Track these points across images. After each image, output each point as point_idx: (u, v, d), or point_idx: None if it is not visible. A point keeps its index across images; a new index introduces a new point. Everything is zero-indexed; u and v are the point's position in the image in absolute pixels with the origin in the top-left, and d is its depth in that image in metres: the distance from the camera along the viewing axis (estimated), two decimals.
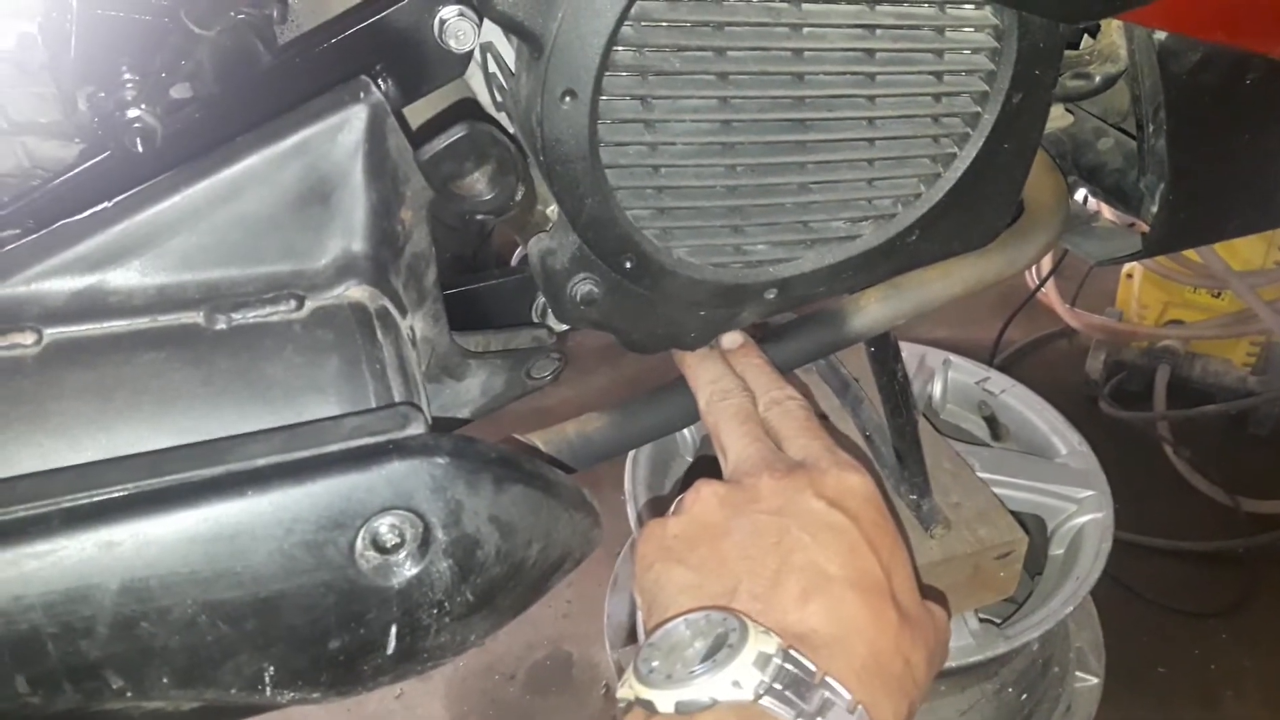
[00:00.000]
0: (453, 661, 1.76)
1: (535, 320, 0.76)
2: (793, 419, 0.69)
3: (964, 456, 1.20)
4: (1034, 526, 1.27)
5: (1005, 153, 0.72)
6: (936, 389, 1.44)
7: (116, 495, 0.44)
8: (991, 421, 1.40)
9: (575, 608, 1.83)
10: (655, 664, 0.52)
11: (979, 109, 0.69)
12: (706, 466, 1.41)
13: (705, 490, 0.63)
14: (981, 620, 1.15)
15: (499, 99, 0.71)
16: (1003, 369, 1.52)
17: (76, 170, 0.64)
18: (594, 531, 0.59)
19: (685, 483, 1.39)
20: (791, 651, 0.52)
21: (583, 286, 0.68)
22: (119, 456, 0.47)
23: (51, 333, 0.49)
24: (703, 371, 0.73)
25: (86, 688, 0.44)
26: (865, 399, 1.11)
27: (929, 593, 0.65)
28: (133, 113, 0.59)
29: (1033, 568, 1.28)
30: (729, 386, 0.71)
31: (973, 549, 1.06)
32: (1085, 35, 0.85)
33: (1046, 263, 2.34)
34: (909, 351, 1.44)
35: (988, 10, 0.66)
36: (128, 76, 0.60)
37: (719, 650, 0.51)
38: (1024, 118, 0.71)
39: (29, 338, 0.48)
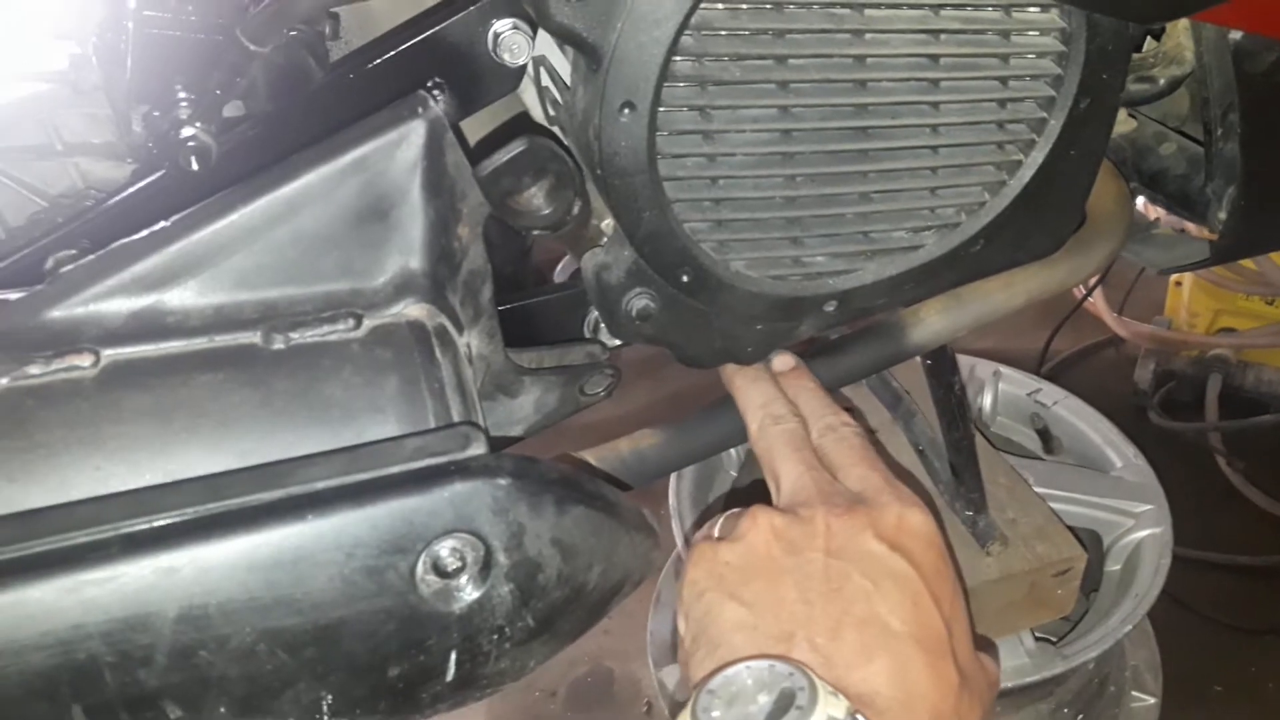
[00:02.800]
0: None
1: (588, 335, 0.75)
2: (849, 447, 0.67)
3: (1018, 471, 1.17)
4: (1089, 542, 1.24)
5: (1072, 159, 0.70)
6: (987, 401, 1.41)
7: (176, 521, 0.43)
8: (1044, 434, 1.37)
9: (617, 624, 1.81)
10: (716, 714, 0.49)
11: (1045, 114, 0.67)
12: (751, 485, 1.40)
13: (762, 519, 0.60)
14: (1037, 639, 1.12)
15: (552, 113, 0.70)
16: (1050, 379, 1.49)
17: (132, 190, 0.63)
18: (654, 553, 0.58)
19: (729, 500, 1.38)
20: (859, 717, 0.50)
21: (638, 301, 0.66)
22: (178, 481, 0.46)
23: (109, 354, 0.48)
24: (754, 394, 0.70)
25: (143, 717, 0.43)
26: (918, 413, 1.09)
27: (979, 641, 0.63)
28: (187, 131, 0.58)
29: (1088, 584, 1.24)
30: (780, 411, 0.68)
31: (1030, 566, 1.03)
32: (1149, 38, 0.83)
33: None
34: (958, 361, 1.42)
35: (1055, 13, 0.64)
36: (182, 95, 0.59)
37: (787, 709, 0.49)
38: (1091, 123, 0.69)
39: (87, 359, 0.47)
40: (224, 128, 0.63)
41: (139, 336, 0.49)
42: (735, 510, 0.64)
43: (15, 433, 0.45)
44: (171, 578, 0.43)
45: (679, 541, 1.24)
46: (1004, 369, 1.42)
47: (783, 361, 0.74)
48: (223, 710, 0.45)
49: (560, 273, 1.29)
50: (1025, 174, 0.69)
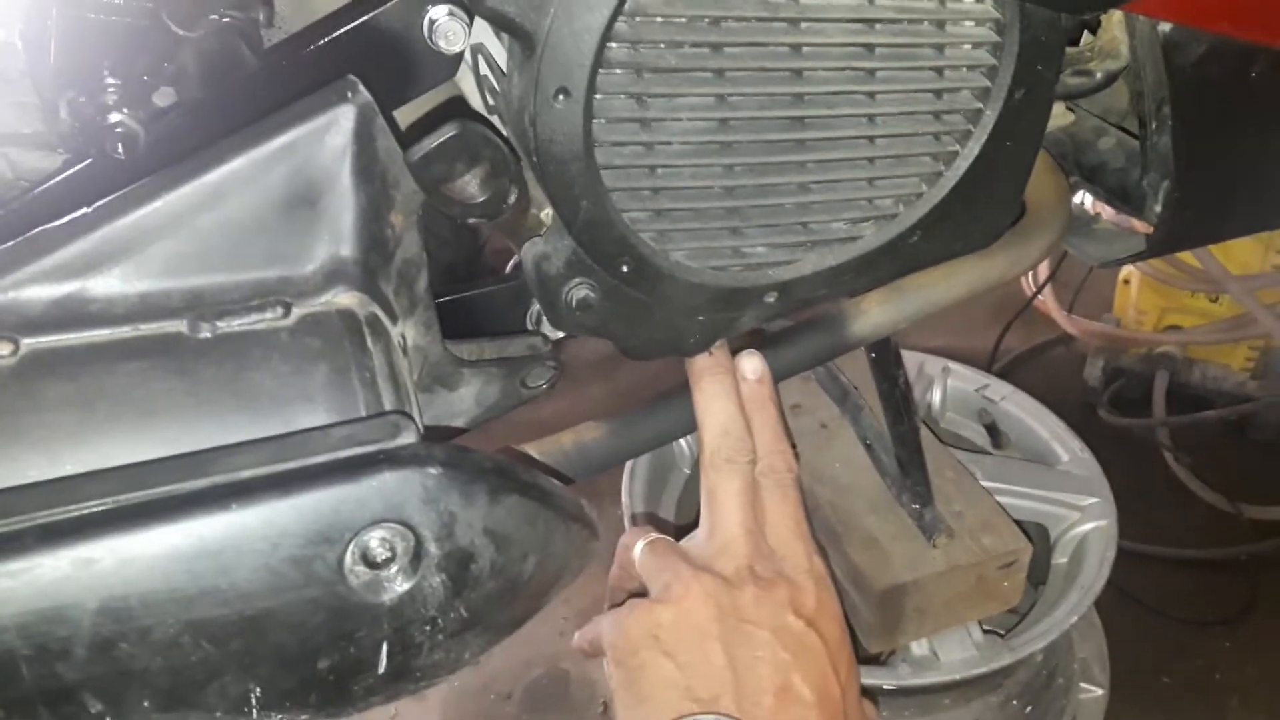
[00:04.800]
0: (448, 680, 1.73)
1: (530, 328, 0.75)
2: (783, 498, 0.73)
3: (965, 465, 1.18)
4: (1037, 535, 1.25)
5: (1008, 150, 0.70)
6: (936, 397, 1.42)
7: (95, 510, 0.42)
8: (992, 429, 1.38)
9: (573, 625, 1.80)
10: None
11: (981, 105, 0.68)
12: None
13: (695, 586, 0.67)
14: (985, 632, 1.13)
15: (491, 101, 0.69)
16: (1001, 376, 1.50)
17: (57, 179, 0.62)
18: (591, 543, 0.57)
19: (683, 498, 1.37)
20: None
21: (578, 291, 0.66)
22: (98, 470, 0.45)
23: (29, 343, 0.47)
24: (716, 411, 0.73)
25: (63, 712, 0.42)
26: (865, 407, 1.10)
27: (866, 690, 0.74)
28: (114, 117, 0.57)
29: (1036, 577, 1.26)
30: (736, 449, 0.72)
31: (976, 559, 1.04)
32: (1085, 31, 0.84)
33: (1044, 269, 2.33)
34: (907, 359, 1.43)
35: (989, 3, 0.65)
36: (109, 81, 0.58)
37: None
38: (1027, 114, 0.70)
39: (5, 348, 0.46)
40: (154, 115, 0.62)
41: (60, 325, 0.48)
42: (667, 567, 0.70)
43: None
44: (90, 569, 0.42)
45: None
46: (953, 365, 1.43)
47: (753, 369, 0.76)
48: (146, 704, 0.44)
49: (512, 265, 1.29)
50: (961, 165, 0.70)
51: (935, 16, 0.64)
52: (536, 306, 0.73)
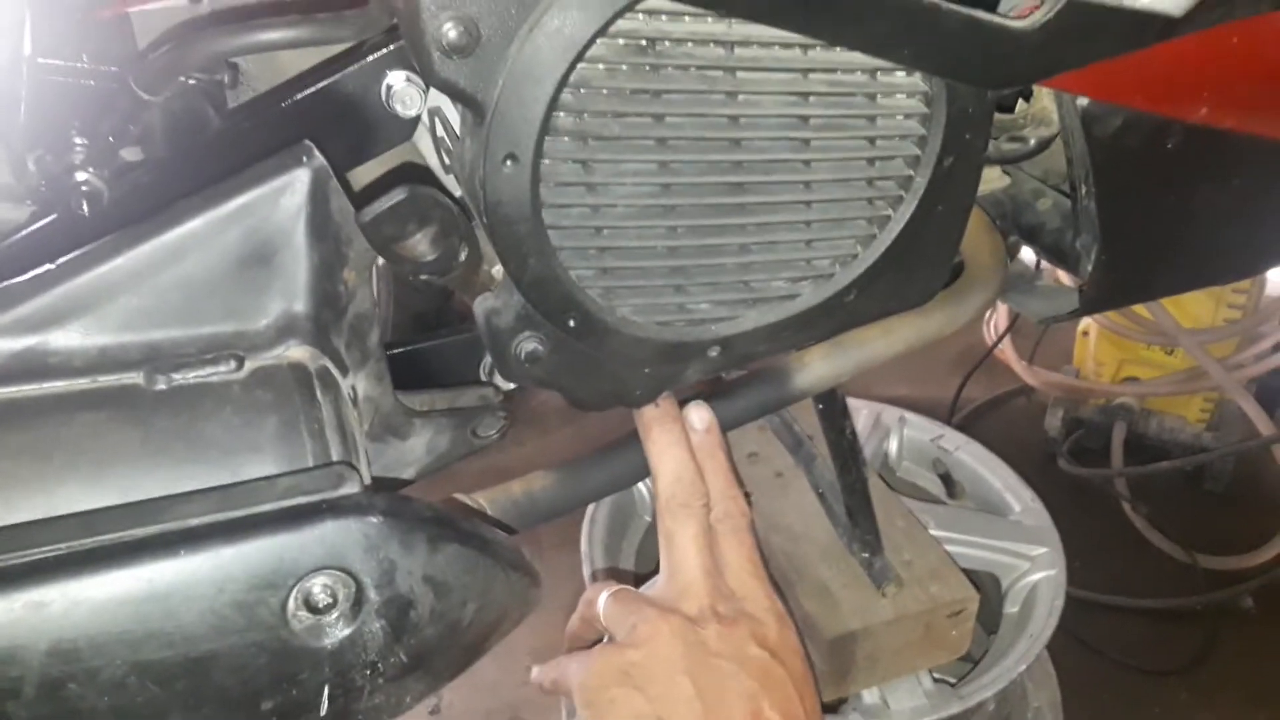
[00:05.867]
0: None
1: (484, 379, 0.77)
2: (739, 542, 0.76)
3: (917, 514, 1.20)
4: (988, 584, 1.28)
5: (939, 214, 0.74)
6: (892, 446, 1.45)
7: (47, 555, 0.44)
8: (946, 479, 1.41)
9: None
10: None
11: (911, 172, 0.71)
12: None
13: (663, 627, 0.69)
14: (936, 680, 1.15)
15: (448, 161, 0.72)
16: (961, 427, 1.53)
17: (21, 234, 0.64)
18: (532, 591, 0.59)
19: (643, 546, 1.39)
20: None
21: (527, 345, 0.69)
22: (52, 517, 0.47)
23: None
24: (667, 460, 0.76)
25: None
26: (818, 456, 1.12)
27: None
28: (80, 175, 0.60)
29: (989, 626, 1.28)
30: (689, 494, 0.75)
31: (925, 607, 1.06)
32: (1020, 100, 0.88)
33: (1003, 321, 2.38)
34: (865, 409, 1.46)
35: (918, 77, 0.68)
36: (76, 140, 0.61)
37: None
38: (956, 180, 0.73)
39: None
40: (118, 173, 0.65)
41: (20, 376, 0.50)
42: (632, 612, 0.73)
43: None
44: (42, 611, 0.43)
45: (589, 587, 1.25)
46: (909, 415, 1.46)
47: (700, 419, 0.78)
48: None
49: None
50: (895, 228, 0.73)
51: (866, 90, 0.68)
52: (489, 359, 0.76)
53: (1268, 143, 0.80)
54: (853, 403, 1.19)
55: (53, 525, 0.46)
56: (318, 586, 0.48)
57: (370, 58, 0.67)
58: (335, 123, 0.67)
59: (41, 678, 0.43)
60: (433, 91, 0.69)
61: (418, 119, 0.70)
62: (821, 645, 1.02)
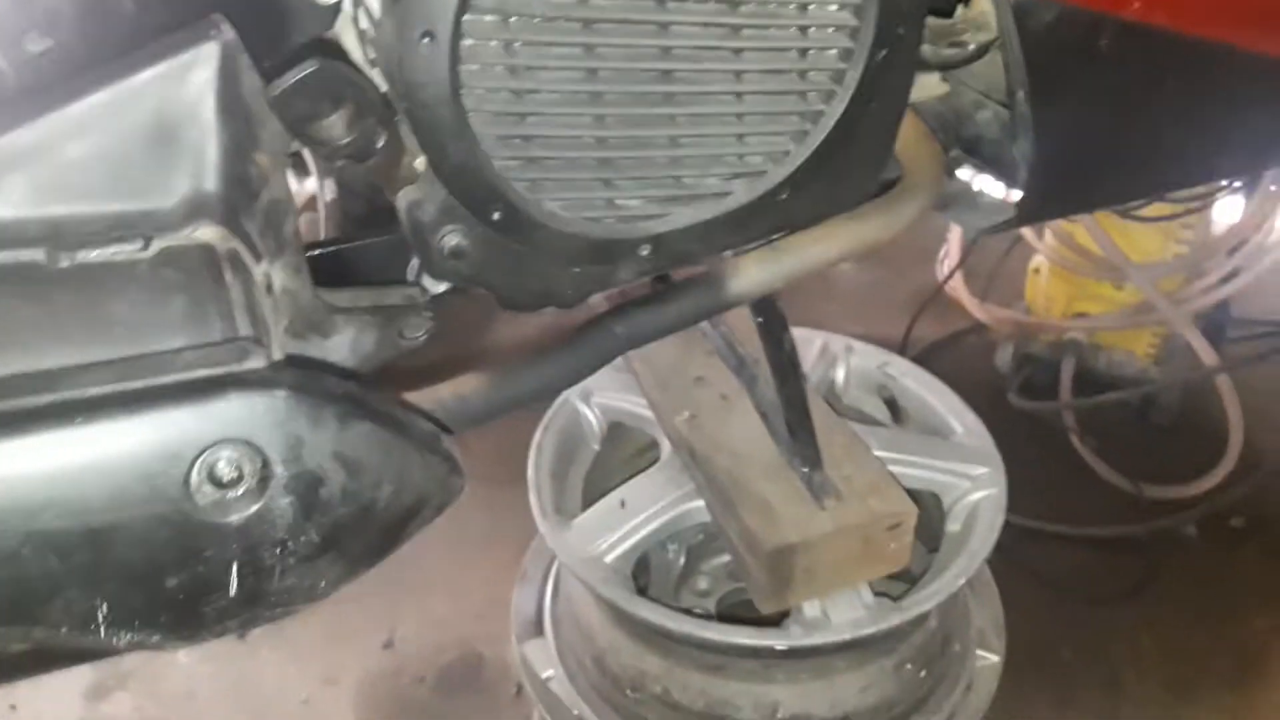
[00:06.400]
0: (362, 665, 1.71)
1: (411, 281, 0.76)
2: None
3: (861, 436, 1.21)
4: (931, 504, 1.29)
5: (873, 111, 0.73)
6: (839, 374, 1.45)
7: None
8: (891, 404, 1.42)
9: (487, 608, 1.81)
10: None
11: (844, 65, 0.71)
12: (612, 458, 1.41)
13: None
14: (877, 594, 1.16)
15: (372, 55, 0.70)
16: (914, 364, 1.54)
17: None
18: (453, 479, 0.59)
19: (590, 475, 1.39)
20: None
21: (451, 239, 0.67)
22: None
23: None
24: None
25: None
26: (760, 378, 1.12)
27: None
28: None
29: (931, 545, 1.29)
30: None
31: (863, 520, 1.07)
32: (960, 5, 0.87)
33: (955, 256, 2.39)
34: (811, 337, 1.46)
35: None
36: None
37: None
38: (890, 76, 0.73)
39: None
40: (25, 60, 0.62)
41: None
42: None
43: None
44: None
45: (537, 516, 1.25)
46: (855, 344, 1.46)
47: None
48: None
49: None
50: (827, 123, 0.72)
51: None
52: (416, 261, 0.75)
53: (1204, 43, 0.80)
54: (799, 332, 1.19)
55: None
56: (222, 461, 0.47)
57: None
58: (250, 9, 0.64)
59: None
60: None
61: (337, 6, 0.67)
62: (761, 558, 1.03)
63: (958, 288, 2.39)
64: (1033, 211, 0.89)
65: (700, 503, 1.20)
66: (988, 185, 1.12)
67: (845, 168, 0.75)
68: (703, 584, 1.48)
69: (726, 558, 1.46)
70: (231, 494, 0.48)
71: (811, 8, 0.68)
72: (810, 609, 1.11)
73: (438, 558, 1.85)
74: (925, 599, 1.13)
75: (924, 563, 1.27)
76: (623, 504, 1.22)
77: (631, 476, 1.30)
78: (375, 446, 0.52)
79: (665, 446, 1.29)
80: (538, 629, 1.44)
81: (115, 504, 0.45)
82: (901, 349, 2.35)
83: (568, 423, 1.37)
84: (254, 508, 0.48)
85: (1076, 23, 0.74)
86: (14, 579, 0.44)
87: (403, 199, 0.67)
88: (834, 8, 0.69)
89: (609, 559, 1.18)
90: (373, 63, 0.71)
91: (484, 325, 2.40)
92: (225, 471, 0.47)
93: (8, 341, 0.48)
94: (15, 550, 0.44)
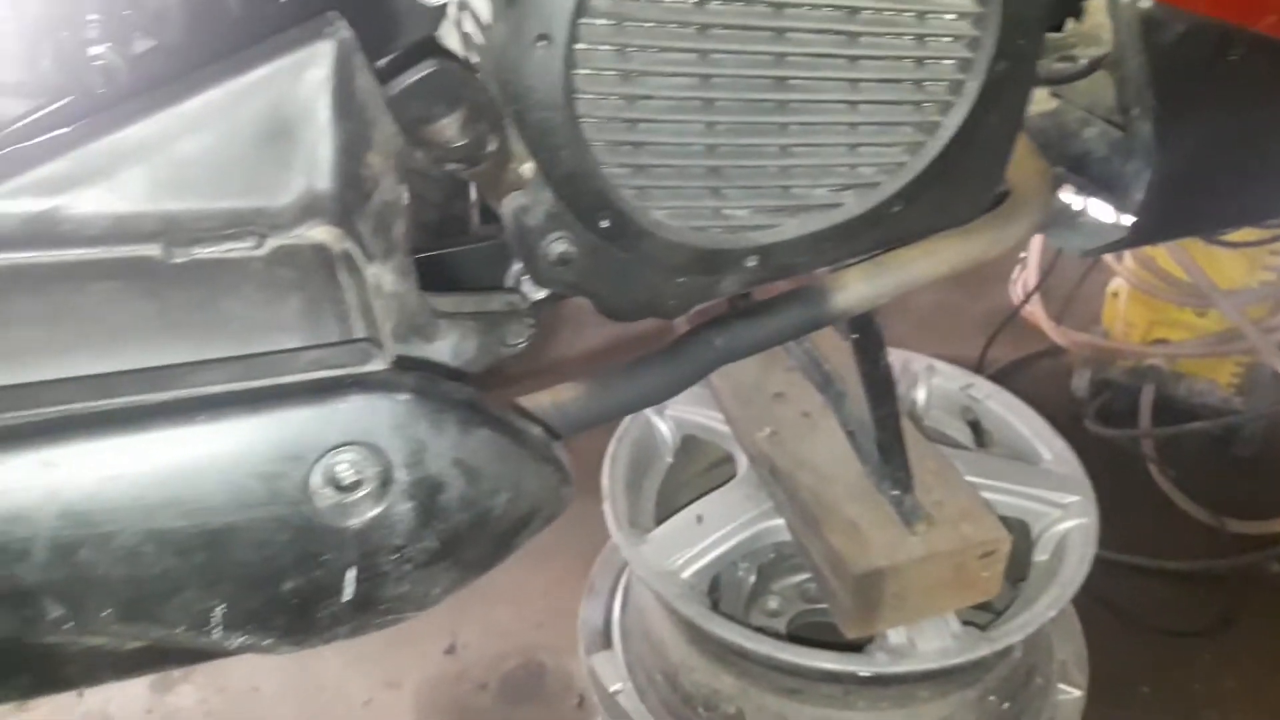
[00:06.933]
0: (423, 670, 1.71)
1: (510, 286, 0.75)
2: None
3: (947, 458, 1.18)
4: (1017, 531, 1.25)
5: (990, 124, 0.71)
6: (920, 395, 1.42)
7: (60, 414, 0.42)
8: (975, 427, 1.38)
9: (550, 618, 1.80)
10: None
11: (963, 76, 0.69)
12: (685, 470, 1.39)
13: None
14: (964, 623, 1.13)
15: (475, 60, 0.70)
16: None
17: (36, 115, 0.62)
18: (564, 489, 0.57)
19: (664, 487, 1.37)
20: None
21: (558, 245, 0.66)
22: (65, 378, 0.45)
23: (2, 257, 0.47)
24: None
25: (23, 614, 0.42)
26: (848, 394, 1.10)
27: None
28: (95, 50, 0.57)
29: (1016, 574, 1.26)
30: None
31: (956, 546, 1.04)
32: (1070, 19, 0.85)
33: (1032, 278, 2.34)
34: (892, 356, 1.43)
35: None
36: (92, 17, 0.58)
37: None
38: (1008, 88, 0.70)
39: None
40: (136, 56, 0.62)
41: (33, 242, 0.48)
42: None
43: None
44: (53, 472, 0.42)
45: (613, 528, 1.23)
46: (937, 363, 1.43)
47: None
48: (107, 613, 0.44)
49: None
50: (943, 136, 0.70)
51: None
52: (516, 266, 0.74)
53: None
54: None
55: (66, 386, 0.44)
56: (343, 463, 0.46)
57: None
58: (356, 11, 0.64)
59: (53, 540, 0.42)
60: None
61: (443, 9, 0.67)
62: (849, 581, 1.00)
63: (1034, 309, 2.34)
64: (1145, 234, 0.85)
65: (779, 521, 1.18)
66: (1088, 204, 1.09)
67: (959, 182, 0.73)
68: (773, 604, 1.45)
69: (798, 577, 1.43)
70: (352, 498, 0.47)
71: (931, 17, 0.66)
72: (895, 635, 1.08)
73: (500, 565, 1.85)
74: (1014, 630, 1.10)
75: (1004, 594, 1.24)
76: (699, 519, 1.21)
77: (705, 491, 1.28)
78: (494, 453, 0.51)
79: (742, 462, 1.27)
80: (606, 641, 1.43)
81: (234, 505, 0.45)
82: (976, 370, 2.30)
83: (641, 434, 1.35)
84: (374, 512, 0.47)
85: (1207, 36, 0.71)
86: (133, 577, 0.44)
87: (509, 204, 0.66)
88: (954, 17, 0.67)
89: (685, 574, 1.16)
90: (475, 69, 0.71)
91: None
92: (346, 475, 0.46)
93: (124, 337, 0.48)
94: (135, 548, 0.43)
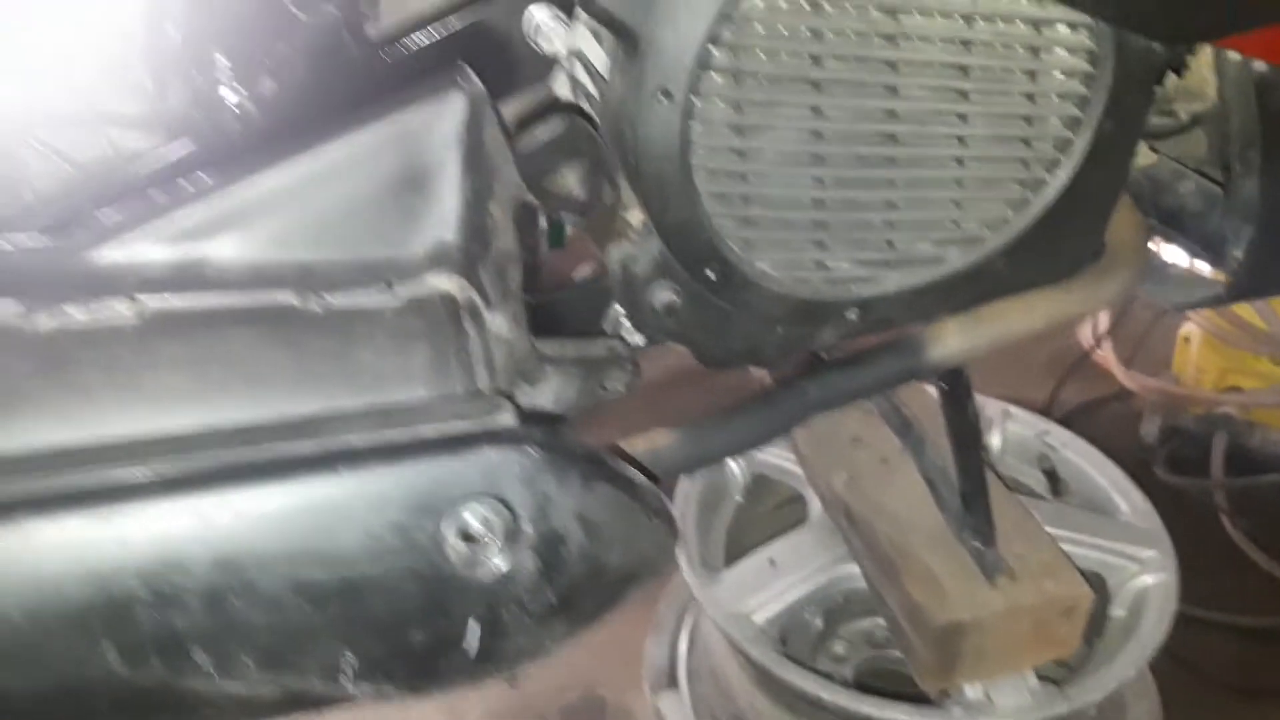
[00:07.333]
0: (485, 701, 1.71)
1: (608, 332, 0.75)
2: None
3: (1032, 512, 1.16)
4: (1094, 586, 1.23)
5: (1095, 181, 0.71)
6: (995, 440, 1.41)
7: (215, 465, 0.43)
8: (1051, 475, 1.36)
9: (609, 650, 1.78)
10: None
11: (1070, 135, 0.68)
12: (755, 510, 1.39)
13: None
14: (1041, 678, 1.11)
15: (585, 106, 0.71)
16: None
17: (167, 152, 0.64)
18: (672, 543, 0.57)
19: (733, 525, 1.37)
20: None
21: (663, 295, 0.67)
22: (216, 429, 0.46)
23: (149, 302, 0.48)
24: None
25: (173, 663, 0.43)
26: (928, 441, 1.09)
27: None
28: (227, 93, 0.59)
29: (1091, 630, 1.23)
30: None
31: (1037, 602, 1.02)
32: (1172, 74, 0.84)
33: (1103, 321, 2.30)
34: None
35: (1084, 34, 0.65)
36: (226, 60, 0.60)
37: None
38: (1115, 147, 0.70)
39: (128, 306, 0.48)
40: (264, 96, 0.64)
41: (178, 286, 0.49)
42: None
43: (55, 374, 0.45)
44: (208, 520, 0.43)
45: (685, 568, 1.23)
46: (1013, 409, 1.42)
47: None
48: (248, 661, 0.44)
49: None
50: (1049, 193, 0.70)
51: (1030, 43, 0.65)
52: (615, 311, 0.74)
53: None
54: None
55: (218, 436, 0.45)
56: (474, 516, 0.47)
57: None
58: (475, 57, 0.66)
59: (206, 587, 0.43)
60: (573, 33, 0.67)
61: (557, 57, 0.68)
62: (928, 633, 0.99)
63: (1104, 352, 2.30)
64: (1245, 289, 0.84)
65: (853, 568, 1.17)
66: (1179, 258, 1.08)
67: (1063, 239, 0.72)
68: (840, 648, 1.44)
69: (865, 622, 1.41)
70: (481, 550, 0.48)
71: (1042, 76, 0.66)
72: (972, 690, 1.06)
73: None
74: (1093, 688, 1.08)
75: (1082, 648, 1.21)
76: (772, 563, 1.20)
77: (775, 530, 1.28)
78: (612, 508, 0.51)
79: (814, 505, 1.26)
80: (671, 680, 1.42)
81: (371, 555, 0.46)
82: (1045, 412, 2.27)
83: (712, 473, 1.35)
84: (500, 564, 0.48)
85: None
86: (275, 625, 0.45)
87: (616, 253, 0.67)
88: (1065, 77, 0.67)
89: (757, 618, 1.16)
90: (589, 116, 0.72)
91: None
92: (476, 527, 0.47)
93: (263, 383, 0.49)
94: (278, 597, 0.44)
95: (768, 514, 1.42)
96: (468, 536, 0.47)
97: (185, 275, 0.49)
